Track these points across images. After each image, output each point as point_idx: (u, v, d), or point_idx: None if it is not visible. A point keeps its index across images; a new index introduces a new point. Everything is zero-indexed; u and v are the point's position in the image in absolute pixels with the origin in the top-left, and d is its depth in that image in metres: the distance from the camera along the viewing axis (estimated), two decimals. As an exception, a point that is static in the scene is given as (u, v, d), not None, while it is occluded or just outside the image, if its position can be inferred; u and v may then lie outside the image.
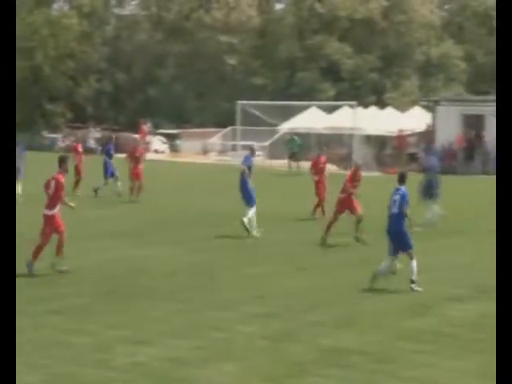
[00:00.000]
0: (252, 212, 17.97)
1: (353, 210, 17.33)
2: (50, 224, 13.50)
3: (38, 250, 13.51)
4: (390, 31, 65.44)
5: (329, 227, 17.22)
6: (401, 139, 42.44)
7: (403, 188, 13.24)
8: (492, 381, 8.42)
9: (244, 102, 45.67)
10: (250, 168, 18.44)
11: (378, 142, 45.87)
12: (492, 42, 68.76)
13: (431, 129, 41.70)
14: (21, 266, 14.00)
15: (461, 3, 70.48)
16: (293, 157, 38.10)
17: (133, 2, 69.91)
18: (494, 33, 71.15)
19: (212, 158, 47.30)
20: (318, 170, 21.67)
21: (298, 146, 38.66)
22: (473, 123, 40.07)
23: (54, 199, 13.48)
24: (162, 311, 11.14)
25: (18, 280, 12.81)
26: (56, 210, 13.56)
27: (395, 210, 13.01)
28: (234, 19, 65.07)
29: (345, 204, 17.33)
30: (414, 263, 12.70)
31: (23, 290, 12.24)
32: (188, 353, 9.27)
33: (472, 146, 39.95)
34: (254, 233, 17.82)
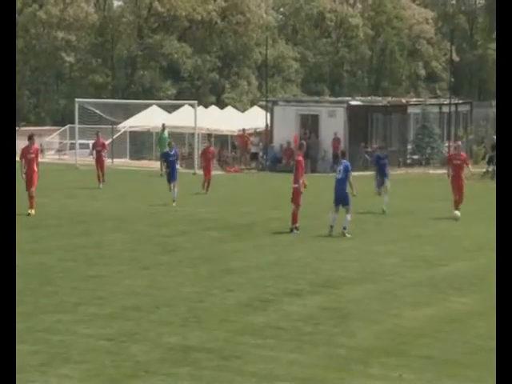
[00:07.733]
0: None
1: None
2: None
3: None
4: (228, 32, 66.17)
5: None
6: (242, 138, 42.92)
7: (345, 161, 18.42)
8: (336, 371, 8.60)
9: (82, 100, 44.59)
10: None
11: (219, 141, 46.19)
12: (324, 45, 71.25)
13: (269, 128, 42.50)
14: None
15: (294, 6, 72.42)
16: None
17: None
18: (326, 35, 73.70)
19: (49, 157, 45.88)
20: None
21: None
22: (308, 123, 41.27)
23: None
24: (-4, 316, 10.55)
25: None
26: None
27: (340, 176, 18.20)
28: (70, 15, 63.44)
29: None
30: (349, 217, 17.91)
31: None
32: (25, 358, 8.82)
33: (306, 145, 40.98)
34: None
